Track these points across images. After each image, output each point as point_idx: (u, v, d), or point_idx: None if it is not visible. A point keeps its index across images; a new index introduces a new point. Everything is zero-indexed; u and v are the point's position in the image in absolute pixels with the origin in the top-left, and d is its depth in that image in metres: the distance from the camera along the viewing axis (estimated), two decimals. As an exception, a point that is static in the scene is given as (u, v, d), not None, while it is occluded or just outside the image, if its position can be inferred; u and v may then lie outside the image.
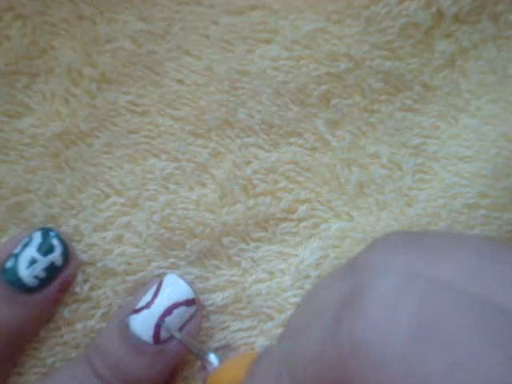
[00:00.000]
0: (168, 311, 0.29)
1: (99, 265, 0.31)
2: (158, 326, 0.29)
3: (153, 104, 0.32)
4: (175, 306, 0.29)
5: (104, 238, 0.31)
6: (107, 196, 0.31)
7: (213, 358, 0.27)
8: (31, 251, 0.29)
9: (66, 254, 0.30)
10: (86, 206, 0.31)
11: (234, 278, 0.31)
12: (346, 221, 0.31)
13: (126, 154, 0.32)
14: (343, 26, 0.31)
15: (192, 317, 0.29)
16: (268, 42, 0.31)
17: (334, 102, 0.31)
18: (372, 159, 0.31)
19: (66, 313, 0.31)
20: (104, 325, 0.31)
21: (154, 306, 0.29)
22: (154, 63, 0.32)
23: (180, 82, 0.32)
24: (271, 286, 0.31)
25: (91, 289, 0.31)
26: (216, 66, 0.31)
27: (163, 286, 0.30)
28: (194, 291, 0.30)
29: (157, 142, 0.31)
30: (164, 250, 0.31)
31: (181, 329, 0.29)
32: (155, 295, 0.29)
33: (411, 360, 0.17)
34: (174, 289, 0.29)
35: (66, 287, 0.30)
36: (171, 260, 0.31)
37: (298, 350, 0.20)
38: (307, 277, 0.31)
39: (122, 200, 0.31)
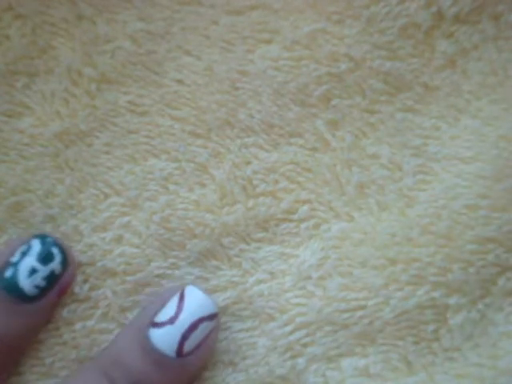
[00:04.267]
0: (193, 327, 0.28)
1: (99, 265, 0.31)
2: (182, 341, 0.28)
3: (153, 104, 0.32)
4: (200, 321, 0.29)
5: (104, 238, 0.31)
6: (107, 196, 0.31)
7: None
8: (31, 261, 0.29)
9: (65, 261, 0.30)
10: (86, 206, 0.31)
11: (234, 279, 0.31)
12: (347, 221, 0.31)
13: (126, 154, 0.32)
14: (344, 27, 0.31)
15: (212, 330, 0.29)
16: (268, 42, 0.31)
17: (334, 102, 0.31)
18: (372, 160, 0.31)
19: (65, 313, 0.31)
20: (104, 325, 0.31)
21: (178, 322, 0.28)
22: (154, 63, 0.32)
23: (180, 82, 0.32)
24: (272, 287, 0.31)
25: (90, 289, 0.31)
26: (216, 66, 0.31)
27: (187, 300, 0.29)
28: (216, 304, 0.30)
29: (157, 142, 0.31)
30: (164, 250, 0.31)
31: (201, 342, 0.29)
32: (179, 309, 0.29)
33: None
34: (200, 304, 0.29)
35: (64, 291, 0.30)
36: (171, 260, 0.31)
37: None
38: (308, 278, 0.31)
39: (122, 200, 0.31)
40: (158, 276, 0.31)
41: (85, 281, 0.31)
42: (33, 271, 0.29)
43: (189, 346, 0.28)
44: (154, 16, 0.31)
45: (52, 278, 0.29)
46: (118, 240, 0.31)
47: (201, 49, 0.32)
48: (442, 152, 0.31)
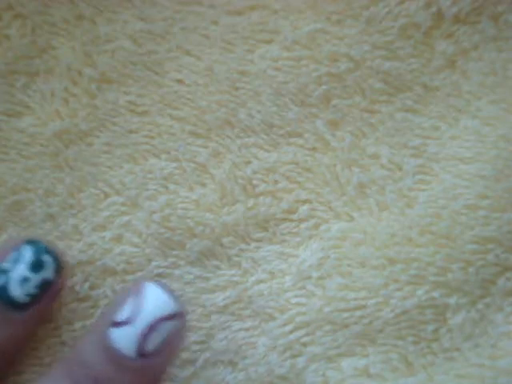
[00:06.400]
0: (152, 327, 0.27)
1: (99, 264, 0.31)
2: (142, 341, 0.27)
3: (153, 104, 0.32)
4: (160, 321, 0.27)
5: (103, 237, 0.31)
6: (107, 195, 0.31)
7: None
8: (22, 270, 0.28)
9: (57, 268, 0.29)
10: (86, 206, 0.31)
11: (234, 278, 0.31)
12: (347, 221, 0.31)
13: (126, 154, 0.32)
14: (343, 27, 0.31)
15: (176, 329, 0.28)
16: (268, 42, 0.31)
17: (334, 102, 0.31)
18: (372, 160, 0.31)
19: (64, 312, 0.31)
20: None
21: (137, 322, 0.27)
22: (154, 63, 0.32)
23: (180, 82, 0.32)
24: (272, 287, 0.31)
25: (90, 288, 0.31)
26: (216, 66, 0.31)
27: (146, 299, 0.28)
28: (179, 302, 0.28)
29: (157, 141, 0.31)
30: (164, 249, 0.31)
31: (165, 342, 0.28)
32: (137, 309, 0.27)
33: None
34: (158, 304, 0.28)
35: (55, 296, 0.30)
36: (171, 260, 0.31)
37: None
38: (308, 277, 0.31)
39: (122, 200, 0.31)
40: (157, 275, 0.31)
41: (85, 280, 0.31)
42: (24, 280, 0.28)
43: (150, 346, 0.27)
44: (154, 16, 0.31)
45: (44, 286, 0.29)
46: (118, 239, 0.31)
47: (201, 49, 0.32)
48: (442, 152, 0.31)
